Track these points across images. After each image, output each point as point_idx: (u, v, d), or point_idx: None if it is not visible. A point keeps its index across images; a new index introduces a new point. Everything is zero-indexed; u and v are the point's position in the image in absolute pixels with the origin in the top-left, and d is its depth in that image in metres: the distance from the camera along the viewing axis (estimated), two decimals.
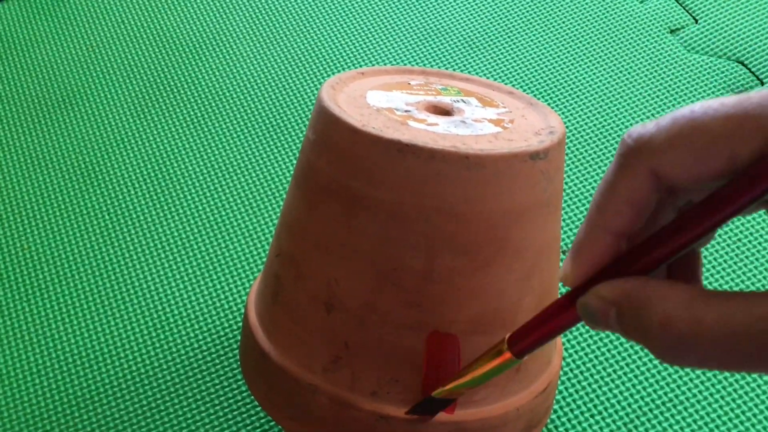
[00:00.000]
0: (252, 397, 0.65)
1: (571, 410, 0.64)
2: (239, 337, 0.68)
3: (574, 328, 0.68)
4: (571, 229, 0.74)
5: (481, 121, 0.51)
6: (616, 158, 0.31)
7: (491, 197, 0.46)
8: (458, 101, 0.54)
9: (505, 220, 0.47)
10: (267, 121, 0.83)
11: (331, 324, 0.51)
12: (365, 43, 0.88)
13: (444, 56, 0.87)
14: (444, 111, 0.52)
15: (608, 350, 0.67)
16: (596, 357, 0.67)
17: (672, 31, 0.87)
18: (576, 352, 0.67)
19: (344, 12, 0.91)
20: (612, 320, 0.31)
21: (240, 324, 0.70)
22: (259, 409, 0.65)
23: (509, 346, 0.38)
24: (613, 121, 0.80)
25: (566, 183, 0.77)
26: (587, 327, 0.68)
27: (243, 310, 0.70)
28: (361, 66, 0.86)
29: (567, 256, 0.33)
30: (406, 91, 0.55)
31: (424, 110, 0.52)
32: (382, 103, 0.51)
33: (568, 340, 0.67)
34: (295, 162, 0.80)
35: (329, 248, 0.50)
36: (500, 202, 0.46)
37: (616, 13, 0.88)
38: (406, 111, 0.51)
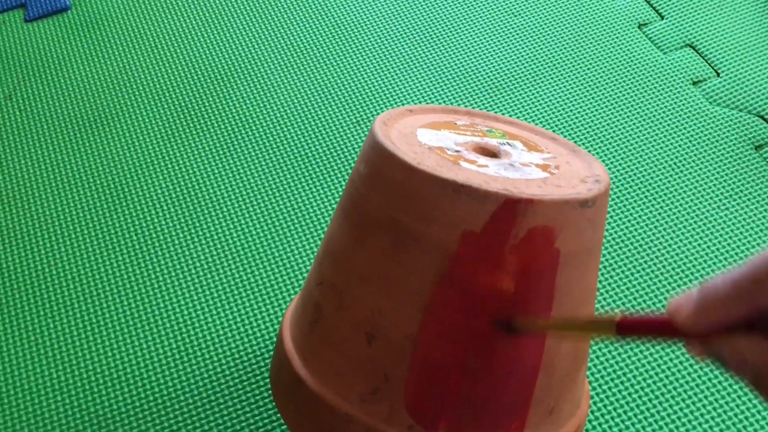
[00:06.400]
0: (282, 422, 0.66)
1: None
2: (269, 362, 0.69)
3: (598, 371, 0.69)
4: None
5: (528, 165, 0.52)
6: None
7: (540, 242, 0.47)
8: (504, 144, 0.55)
9: (552, 265, 0.48)
10: (295, 149, 0.84)
11: (371, 355, 0.51)
12: (393, 81, 0.90)
13: (469, 97, 0.88)
14: (491, 153, 0.53)
15: (632, 391, 0.68)
16: (617, 400, 0.67)
17: (694, 83, 0.89)
18: (598, 393, 0.68)
19: (372, 50, 0.93)
20: (747, 377, 0.31)
21: (270, 348, 0.70)
22: None
23: (617, 326, 0.39)
24: (635, 167, 0.82)
25: None
26: (608, 373, 0.69)
27: (272, 335, 0.71)
28: (388, 101, 0.88)
29: (689, 299, 0.33)
30: (454, 131, 0.56)
31: (473, 151, 0.53)
32: (433, 142, 0.52)
33: (594, 385, 0.68)
34: (324, 190, 0.81)
35: (375, 280, 0.50)
36: (548, 248, 0.48)
37: (638, 62, 0.91)
38: (456, 151, 0.52)
